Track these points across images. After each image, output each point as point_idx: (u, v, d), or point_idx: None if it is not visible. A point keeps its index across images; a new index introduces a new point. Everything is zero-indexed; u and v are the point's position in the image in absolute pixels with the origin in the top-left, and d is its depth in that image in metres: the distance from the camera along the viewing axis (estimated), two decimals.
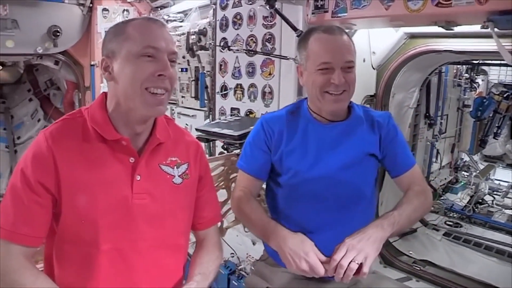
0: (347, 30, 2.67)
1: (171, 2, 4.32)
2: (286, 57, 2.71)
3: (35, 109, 6.31)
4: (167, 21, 4.26)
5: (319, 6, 2.37)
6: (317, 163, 1.58)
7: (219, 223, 1.74)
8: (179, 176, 1.35)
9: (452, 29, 2.00)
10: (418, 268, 2.86)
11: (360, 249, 1.36)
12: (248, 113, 3.18)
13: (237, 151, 2.37)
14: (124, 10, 4.64)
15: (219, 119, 3.30)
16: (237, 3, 3.17)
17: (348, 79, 1.52)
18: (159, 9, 4.57)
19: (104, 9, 4.55)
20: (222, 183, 2.25)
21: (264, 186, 1.78)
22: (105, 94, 1.31)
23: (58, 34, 4.48)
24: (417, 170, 1.69)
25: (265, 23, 2.90)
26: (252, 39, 3.05)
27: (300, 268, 1.41)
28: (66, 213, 1.20)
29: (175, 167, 1.35)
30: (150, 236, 1.28)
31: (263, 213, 1.62)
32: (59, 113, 5.99)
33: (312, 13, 2.43)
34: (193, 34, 3.75)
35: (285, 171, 1.62)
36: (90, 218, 1.20)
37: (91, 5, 4.62)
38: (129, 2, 4.69)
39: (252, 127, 2.47)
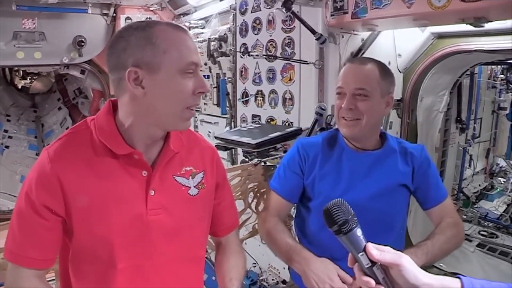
0: (369, 32, 2.63)
1: (192, 9, 4.31)
2: (306, 61, 2.63)
3: (64, 117, 6.50)
4: (189, 28, 4.27)
5: (338, 7, 2.28)
6: (349, 190, 1.58)
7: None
8: (194, 186, 1.28)
9: (482, 26, 1.87)
10: None
11: None
12: (269, 120, 3.11)
13: (255, 160, 2.30)
14: (147, 18, 4.67)
15: (240, 126, 3.24)
16: (256, 7, 3.11)
17: (361, 108, 1.53)
18: (181, 16, 4.58)
19: (127, 18, 4.59)
20: (239, 193, 2.18)
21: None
22: (111, 102, 1.22)
23: (82, 44, 4.58)
24: (449, 202, 1.68)
25: (284, 27, 2.83)
26: (271, 44, 2.98)
27: None
28: (79, 232, 1.15)
29: (190, 177, 1.27)
30: (168, 251, 1.23)
31: (289, 236, 1.62)
32: None
33: (331, 15, 2.34)
34: (213, 41, 3.72)
35: (317, 195, 1.63)
36: (105, 237, 1.14)
37: (114, 14, 4.69)
38: (152, 10, 4.72)
39: (272, 135, 2.42)
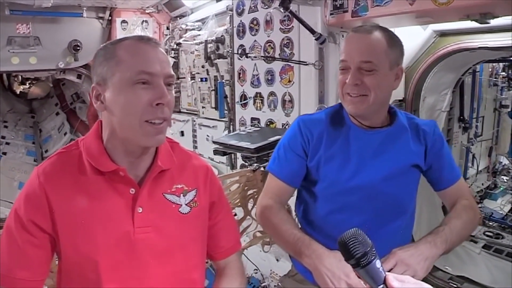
0: None
1: (189, 11, 4.25)
2: (306, 62, 2.57)
3: (62, 122, 6.45)
4: (185, 30, 4.20)
5: (338, 5, 2.23)
6: (358, 172, 1.46)
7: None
8: (186, 204, 1.23)
9: (487, 23, 1.81)
10: (455, 285, 2.65)
11: (410, 265, 1.26)
12: (268, 123, 3.04)
13: (254, 165, 2.23)
14: (143, 21, 4.62)
15: (239, 129, 3.18)
16: (253, 8, 3.05)
17: (368, 83, 1.36)
18: (178, 18, 4.51)
19: (123, 21, 4.54)
20: (237, 200, 2.11)
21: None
22: (100, 122, 1.22)
23: (78, 48, 4.53)
24: (463, 183, 1.59)
25: (282, 27, 2.77)
26: (269, 45, 2.91)
27: None
28: (66, 252, 1.12)
29: (181, 195, 1.23)
30: (159, 273, 1.17)
31: (294, 226, 1.47)
32: (84, 126, 6.08)
33: (331, 14, 2.29)
34: (210, 43, 3.66)
35: (322, 179, 1.50)
36: (90, 257, 1.11)
37: (110, 18, 4.63)
38: (148, 13, 4.66)
39: (271, 139, 2.35)
